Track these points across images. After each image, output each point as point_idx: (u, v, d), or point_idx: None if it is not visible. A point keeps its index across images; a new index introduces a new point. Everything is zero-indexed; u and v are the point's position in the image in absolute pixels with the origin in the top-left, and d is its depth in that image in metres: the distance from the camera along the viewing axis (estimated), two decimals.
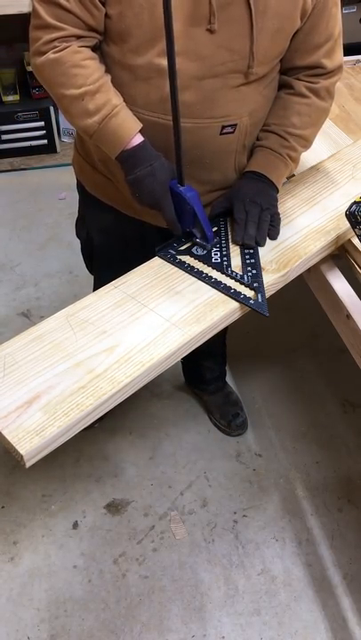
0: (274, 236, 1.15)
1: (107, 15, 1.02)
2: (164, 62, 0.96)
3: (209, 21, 1.00)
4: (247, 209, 1.14)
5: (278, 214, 1.18)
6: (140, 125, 1.06)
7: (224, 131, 1.13)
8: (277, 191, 1.20)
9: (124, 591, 1.49)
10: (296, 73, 1.17)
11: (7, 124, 2.98)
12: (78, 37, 1.03)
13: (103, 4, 1.01)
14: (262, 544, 1.58)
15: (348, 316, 1.13)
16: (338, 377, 1.99)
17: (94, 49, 1.08)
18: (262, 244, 1.14)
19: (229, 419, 1.83)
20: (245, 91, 1.10)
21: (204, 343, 1.00)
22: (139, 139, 1.06)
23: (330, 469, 1.74)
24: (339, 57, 1.16)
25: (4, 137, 3.01)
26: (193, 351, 0.99)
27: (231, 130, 1.13)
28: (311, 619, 1.44)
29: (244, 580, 1.51)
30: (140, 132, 1.07)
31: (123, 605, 1.46)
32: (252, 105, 1.14)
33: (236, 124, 1.13)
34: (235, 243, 1.14)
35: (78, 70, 1.02)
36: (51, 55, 1.02)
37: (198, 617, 1.45)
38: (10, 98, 2.99)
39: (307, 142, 1.22)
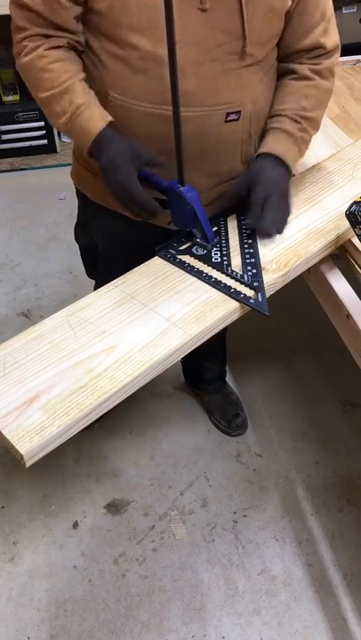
0: (283, 228, 1.15)
1: (95, 11, 1.03)
2: (161, 51, 0.97)
3: (200, 1, 1.00)
4: (268, 193, 1.12)
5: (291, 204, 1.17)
6: (106, 121, 1.06)
7: (228, 118, 1.12)
8: (291, 177, 1.20)
9: (124, 591, 1.49)
10: (298, 57, 1.18)
11: (7, 124, 2.98)
12: (46, 37, 1.06)
13: (78, 3, 1.03)
14: (262, 544, 1.57)
15: (349, 316, 1.13)
16: (338, 377, 1.99)
17: (74, 48, 1.10)
18: (281, 232, 1.13)
19: (229, 419, 1.83)
20: (245, 75, 1.10)
21: (204, 343, 1.00)
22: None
23: (330, 469, 1.74)
24: (335, 36, 1.18)
25: (4, 137, 3.02)
26: (193, 351, 0.99)
27: (236, 117, 1.13)
28: (311, 619, 1.44)
29: (244, 579, 1.51)
30: (141, 125, 1.07)
31: (123, 605, 1.46)
32: (254, 92, 1.13)
33: (239, 111, 1.12)
34: (248, 229, 1.13)
35: (46, 75, 1.06)
36: (22, 59, 1.08)
37: (198, 617, 1.44)
38: (10, 98, 3.00)
39: (316, 125, 1.22)
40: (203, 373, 1.85)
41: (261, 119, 1.20)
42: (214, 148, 1.15)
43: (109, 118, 1.07)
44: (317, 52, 1.17)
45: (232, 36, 1.05)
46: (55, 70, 1.06)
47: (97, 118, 1.06)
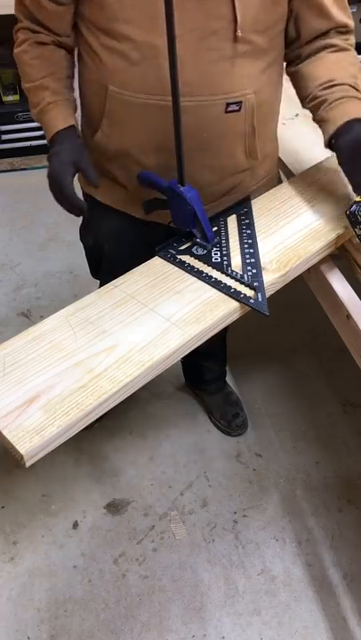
0: None
1: (95, 2, 1.04)
2: (156, 40, 0.98)
3: None
4: None
5: None
6: (67, 123, 1.14)
7: (229, 109, 1.12)
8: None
9: (124, 591, 1.49)
10: (328, 35, 1.18)
11: (7, 124, 2.98)
12: (33, 31, 1.15)
13: (60, 3, 1.08)
14: (262, 544, 1.58)
15: (348, 317, 1.13)
16: (338, 377, 1.99)
17: (64, 47, 1.17)
18: None
19: (229, 419, 1.83)
20: (243, 63, 1.09)
21: (204, 343, 1.00)
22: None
23: (330, 469, 1.74)
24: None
25: (4, 137, 3.01)
26: (193, 351, 0.99)
27: (237, 107, 1.12)
28: (311, 619, 1.44)
29: (244, 579, 1.51)
30: (140, 119, 1.08)
31: (123, 605, 1.46)
32: (256, 83, 1.12)
33: (240, 102, 1.12)
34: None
35: (28, 69, 1.17)
36: (15, 49, 1.18)
37: (198, 617, 1.44)
38: (10, 98, 2.99)
39: None
40: (203, 373, 1.85)
41: (266, 113, 1.19)
42: (216, 140, 1.15)
43: (72, 122, 1.14)
44: (343, 29, 1.18)
45: (226, 20, 1.04)
46: (35, 66, 1.16)
47: (60, 119, 1.14)
